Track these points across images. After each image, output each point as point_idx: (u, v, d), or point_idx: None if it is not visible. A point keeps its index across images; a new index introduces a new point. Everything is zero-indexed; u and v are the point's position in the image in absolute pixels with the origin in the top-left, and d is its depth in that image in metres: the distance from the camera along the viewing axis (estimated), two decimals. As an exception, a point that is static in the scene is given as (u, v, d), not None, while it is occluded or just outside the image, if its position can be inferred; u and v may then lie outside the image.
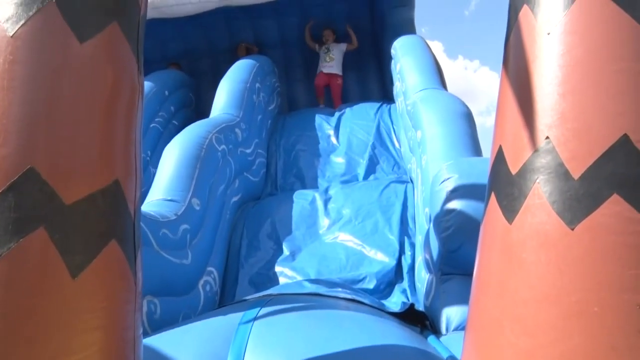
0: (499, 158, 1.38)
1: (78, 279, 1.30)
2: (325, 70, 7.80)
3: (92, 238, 1.35)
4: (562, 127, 1.23)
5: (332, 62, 7.75)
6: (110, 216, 1.40)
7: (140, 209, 1.58)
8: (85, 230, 1.34)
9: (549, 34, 1.30)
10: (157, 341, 2.23)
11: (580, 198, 1.16)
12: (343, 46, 7.83)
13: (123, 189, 1.44)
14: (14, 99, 1.33)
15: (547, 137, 1.24)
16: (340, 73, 7.80)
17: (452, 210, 3.01)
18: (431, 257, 3.32)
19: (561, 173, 1.20)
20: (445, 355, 2.34)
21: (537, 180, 1.23)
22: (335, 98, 7.75)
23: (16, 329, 1.26)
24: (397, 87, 6.05)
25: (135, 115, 1.54)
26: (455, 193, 3.05)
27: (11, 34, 1.36)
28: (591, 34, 1.25)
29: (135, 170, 1.52)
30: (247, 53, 7.79)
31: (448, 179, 3.13)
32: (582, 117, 1.21)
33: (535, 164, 1.25)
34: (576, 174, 1.18)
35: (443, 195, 3.12)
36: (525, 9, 1.39)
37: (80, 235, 1.33)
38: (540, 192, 1.22)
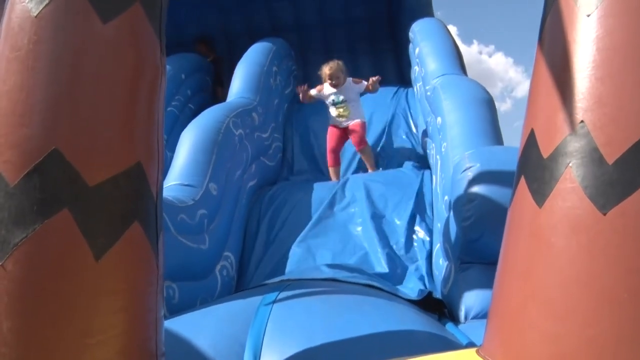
0: (531, 141, 1.35)
1: (101, 260, 1.31)
2: (341, 125, 5.68)
3: (115, 220, 1.36)
4: (598, 111, 1.20)
5: (347, 116, 5.63)
6: (132, 198, 1.41)
7: (162, 191, 1.58)
8: (108, 212, 1.35)
9: (588, 15, 1.26)
10: (177, 323, 2.25)
11: (613, 183, 1.14)
12: (359, 86, 5.69)
13: (145, 171, 1.44)
14: (38, 79, 1.34)
15: (582, 121, 1.21)
16: (362, 119, 5.68)
17: (473, 199, 2.99)
18: (450, 245, 3.30)
19: (595, 158, 1.17)
20: (464, 341, 2.33)
21: (570, 164, 1.21)
22: (354, 141, 5.65)
23: (40, 309, 1.28)
24: (416, 72, 5.97)
25: (157, 97, 1.53)
26: (476, 182, 3.02)
27: (35, 14, 1.36)
28: (632, 17, 1.21)
29: (158, 152, 1.52)
30: (207, 48, 7.83)
31: (469, 167, 3.10)
32: (620, 102, 1.18)
33: (569, 147, 1.22)
34: (611, 159, 1.15)
35: (464, 184, 3.09)
36: None
37: (104, 217, 1.34)
38: (573, 177, 1.20)
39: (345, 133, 5.66)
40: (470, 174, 3.07)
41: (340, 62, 5.75)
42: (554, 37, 1.37)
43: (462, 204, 3.05)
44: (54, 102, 1.33)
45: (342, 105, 5.65)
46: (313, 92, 5.85)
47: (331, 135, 5.71)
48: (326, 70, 5.70)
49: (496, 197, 2.89)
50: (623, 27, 1.22)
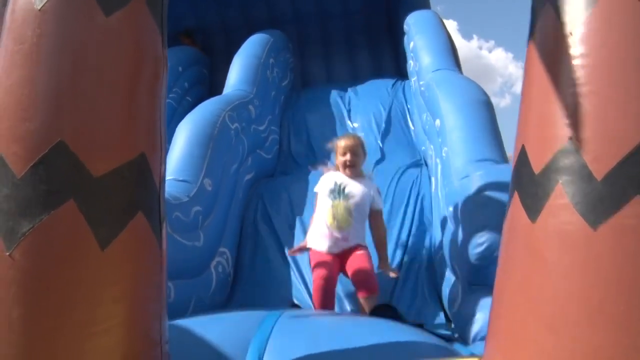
0: (522, 157, 1.39)
1: (106, 250, 1.34)
2: (334, 249, 3.46)
3: (119, 210, 1.38)
4: (585, 127, 1.23)
5: (347, 228, 3.47)
6: (136, 189, 1.43)
7: (164, 182, 1.59)
8: (113, 202, 1.37)
9: (571, 34, 1.30)
10: (181, 327, 2.26)
11: (603, 199, 1.17)
12: (372, 186, 3.69)
13: (149, 162, 1.46)
14: (42, 72, 1.36)
15: (570, 138, 1.25)
16: (365, 245, 3.56)
17: (485, 225, 2.95)
18: (459, 267, 3.24)
19: (584, 174, 1.21)
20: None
21: (560, 181, 1.24)
22: (357, 283, 3.38)
23: (46, 298, 1.30)
24: (411, 66, 5.94)
25: (159, 89, 1.56)
26: (488, 206, 2.97)
27: (39, 8, 1.39)
28: (614, 35, 1.24)
29: (160, 143, 1.54)
30: (191, 41, 7.88)
31: (480, 190, 3.05)
32: (605, 118, 1.22)
33: (558, 164, 1.26)
34: (599, 175, 1.19)
35: (475, 208, 3.05)
36: (547, 7, 1.38)
37: (108, 207, 1.36)
38: (563, 193, 1.23)
39: (339, 261, 3.48)
40: (480, 197, 3.02)
41: (361, 137, 3.91)
42: (539, 56, 1.40)
43: (474, 230, 2.99)
44: (58, 95, 1.34)
45: (346, 205, 3.52)
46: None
47: (321, 268, 3.35)
48: (341, 142, 3.72)
49: None
50: (605, 45, 1.25)
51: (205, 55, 7.92)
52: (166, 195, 3.35)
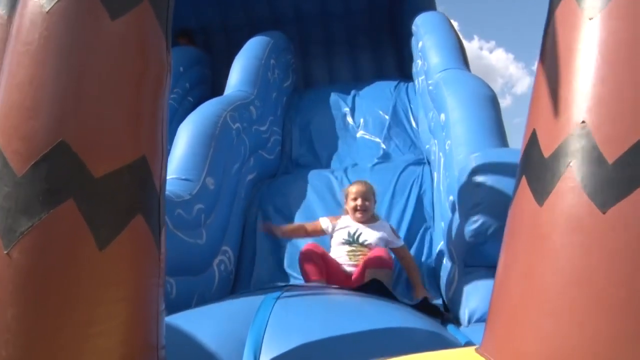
0: (532, 141, 1.37)
1: (105, 251, 1.33)
2: (347, 268, 3.74)
3: (119, 211, 1.38)
4: (599, 111, 1.21)
5: (357, 263, 3.70)
6: (136, 191, 1.43)
7: (165, 185, 1.60)
8: (113, 203, 1.37)
9: (591, 19, 1.29)
10: (177, 320, 2.26)
11: (613, 182, 1.15)
12: (394, 240, 3.86)
13: (150, 165, 1.46)
14: (47, 73, 1.37)
15: (583, 121, 1.23)
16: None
17: (480, 203, 2.97)
18: (455, 248, 3.27)
19: (595, 157, 1.19)
20: (462, 342, 2.34)
21: (570, 164, 1.22)
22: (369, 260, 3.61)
23: (44, 298, 1.29)
24: (418, 65, 5.92)
25: (162, 94, 1.56)
26: (483, 185, 3.00)
27: (47, 10, 1.40)
28: (635, 20, 1.23)
29: (162, 147, 1.54)
30: (190, 40, 7.86)
31: (476, 170, 3.07)
32: (621, 102, 1.20)
33: (570, 147, 1.23)
34: (611, 158, 1.17)
35: (471, 187, 3.06)
36: None
37: (108, 208, 1.36)
38: (573, 176, 1.21)
39: (346, 277, 3.68)
40: (477, 177, 3.04)
41: (370, 191, 3.97)
42: (557, 40, 1.39)
43: (469, 208, 3.02)
44: (62, 96, 1.35)
45: (361, 248, 3.78)
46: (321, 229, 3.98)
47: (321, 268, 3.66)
48: (352, 188, 3.97)
49: (503, 200, 2.86)
50: (626, 30, 1.24)
51: (207, 54, 7.91)
52: (168, 192, 3.40)
